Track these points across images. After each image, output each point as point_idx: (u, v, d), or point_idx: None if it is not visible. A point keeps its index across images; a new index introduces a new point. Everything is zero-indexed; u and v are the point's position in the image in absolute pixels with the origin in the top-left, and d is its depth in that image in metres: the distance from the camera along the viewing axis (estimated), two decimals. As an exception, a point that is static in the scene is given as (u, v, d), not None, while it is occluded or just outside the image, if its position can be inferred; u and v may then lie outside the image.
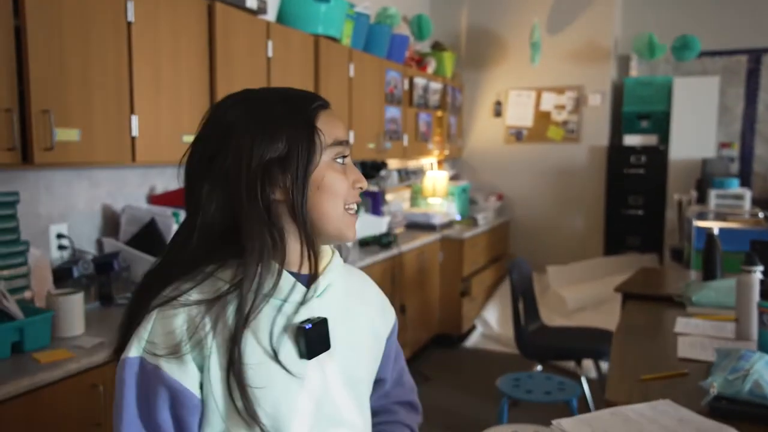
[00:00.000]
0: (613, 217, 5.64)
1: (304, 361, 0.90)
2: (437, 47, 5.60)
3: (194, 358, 0.84)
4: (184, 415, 0.84)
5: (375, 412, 1.11)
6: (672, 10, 5.78)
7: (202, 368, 0.85)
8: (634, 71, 5.87)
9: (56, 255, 2.48)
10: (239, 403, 0.83)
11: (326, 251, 1.00)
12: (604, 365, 3.70)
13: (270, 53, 3.07)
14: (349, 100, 3.86)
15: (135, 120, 2.34)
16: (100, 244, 2.68)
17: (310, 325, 0.90)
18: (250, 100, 0.93)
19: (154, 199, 2.90)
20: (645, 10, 5.86)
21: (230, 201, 0.88)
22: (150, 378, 0.84)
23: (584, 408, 3.12)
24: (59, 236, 2.49)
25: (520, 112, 5.89)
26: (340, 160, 0.94)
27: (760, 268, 2.09)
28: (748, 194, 4.36)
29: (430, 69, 5.21)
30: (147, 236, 2.63)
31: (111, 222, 2.73)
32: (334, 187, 0.92)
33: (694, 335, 2.20)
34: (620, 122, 5.74)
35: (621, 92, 5.76)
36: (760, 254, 2.43)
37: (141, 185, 2.89)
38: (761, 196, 5.47)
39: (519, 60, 5.74)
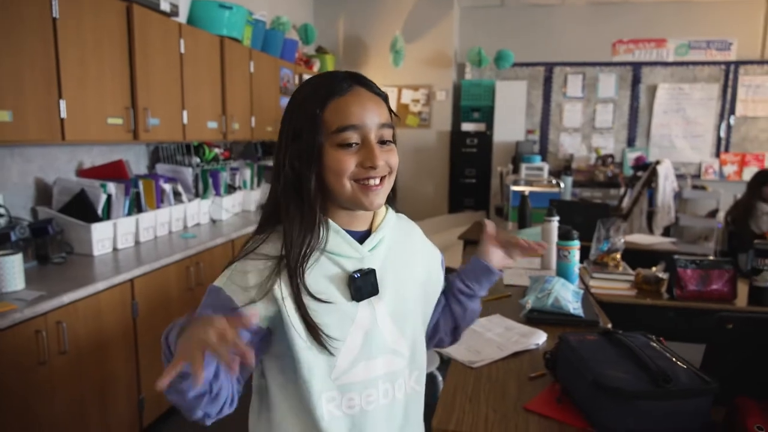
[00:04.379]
0: (455, 184, 5.86)
1: (355, 303, 0.88)
2: (320, 51, 5.47)
3: (262, 300, 0.84)
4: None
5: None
6: (494, 30, 6.04)
7: (273, 309, 0.85)
8: (468, 75, 6.09)
9: (-8, 222, 2.20)
10: (311, 336, 0.84)
11: (380, 209, 0.96)
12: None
13: (182, 50, 2.86)
14: (251, 91, 3.70)
15: (63, 104, 2.09)
16: (34, 212, 2.40)
17: (358, 275, 0.88)
18: (295, 92, 0.91)
19: (82, 173, 2.64)
20: (475, 30, 6.08)
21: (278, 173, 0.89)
22: (221, 301, 0.86)
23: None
24: (-6, 205, 2.21)
25: (385, 105, 5.92)
26: (348, 144, 0.86)
27: (557, 218, 2.28)
28: (546, 167, 4.71)
29: (316, 68, 5.09)
30: (78, 204, 2.40)
31: (44, 193, 2.45)
32: (336, 168, 0.85)
33: (514, 268, 2.35)
34: (459, 113, 5.93)
35: (459, 91, 5.96)
36: (556, 209, 2.64)
37: (70, 161, 2.61)
38: (554, 168, 5.95)
39: (384, 62, 5.76)
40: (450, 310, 1.06)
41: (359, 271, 0.88)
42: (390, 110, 0.91)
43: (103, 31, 2.29)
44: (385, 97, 0.91)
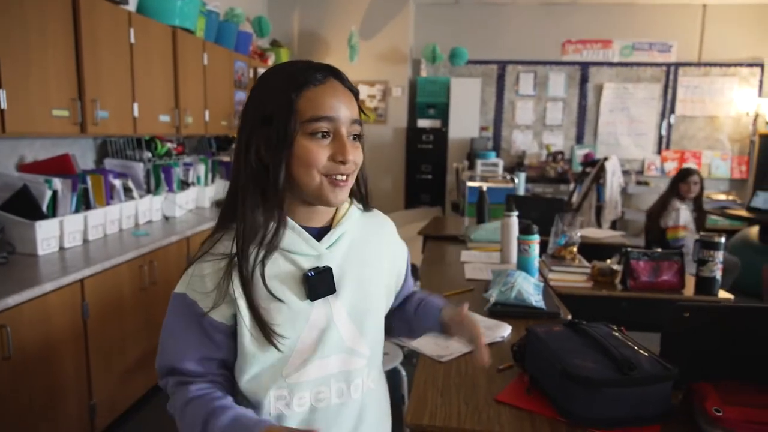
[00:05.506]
0: (411, 180, 5.88)
1: (310, 302, 0.86)
2: (275, 44, 5.37)
3: (224, 300, 0.83)
4: (212, 333, 0.85)
5: (411, 308, 1.07)
6: (448, 27, 6.10)
7: (233, 307, 0.84)
8: (424, 72, 6.13)
9: None
10: (262, 334, 0.83)
11: (344, 204, 0.92)
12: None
13: (132, 40, 2.73)
14: (204, 84, 3.58)
15: (3, 94, 1.95)
16: (-30, 209, 2.24)
17: (313, 274, 0.85)
18: (261, 80, 0.87)
19: (24, 167, 2.48)
20: (430, 27, 6.12)
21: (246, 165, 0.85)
22: (188, 307, 0.85)
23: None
24: (-75, 203, 2.04)
25: (341, 100, 5.88)
26: (320, 135, 0.83)
27: (517, 213, 2.32)
28: (501, 163, 4.80)
29: (270, 62, 4.99)
30: (20, 201, 2.25)
31: (-20, 189, 2.29)
32: (307, 159, 0.82)
33: (474, 262, 2.39)
34: (415, 109, 5.96)
35: (415, 87, 5.99)
36: (514, 204, 2.69)
37: (10, 155, 2.45)
38: (507, 164, 6.08)
39: (339, 58, 5.71)
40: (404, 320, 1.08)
41: (314, 269, 0.86)
42: (359, 107, 0.89)
43: (46, 17, 2.15)
44: (356, 93, 0.89)
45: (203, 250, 0.86)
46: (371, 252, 0.96)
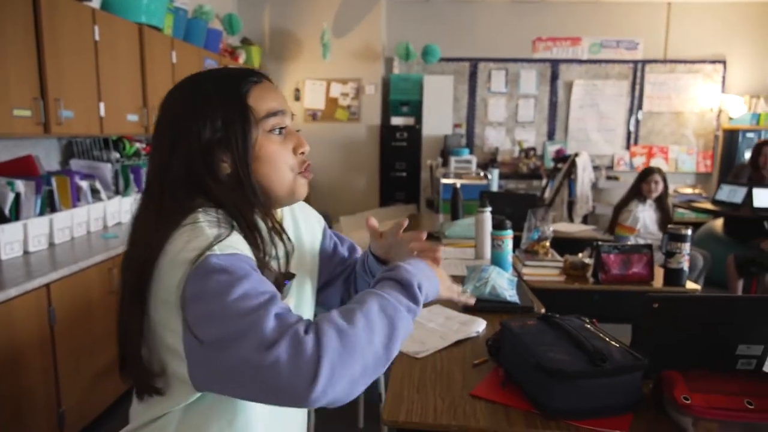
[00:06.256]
0: (385, 178, 5.86)
1: None
2: (246, 42, 5.30)
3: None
4: None
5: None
6: (421, 25, 6.11)
7: None
8: (397, 69, 6.13)
9: None
10: None
11: None
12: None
13: (97, 37, 2.66)
14: (173, 83, 3.49)
15: (-40, 93, 1.88)
16: (-74, 214, 2.15)
17: (288, 282, 0.85)
18: (188, 88, 0.82)
19: (-16, 169, 2.39)
20: (402, 24, 6.12)
21: (191, 176, 0.77)
22: (242, 260, 0.71)
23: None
24: None
25: (314, 98, 5.84)
26: (276, 131, 0.82)
27: (489, 209, 2.35)
28: (474, 160, 4.84)
29: (241, 60, 4.92)
30: (-19, 205, 2.17)
31: (-63, 192, 2.20)
32: (273, 157, 0.81)
33: (449, 258, 2.40)
34: (388, 107, 5.95)
35: (388, 85, 5.98)
36: (488, 200, 2.72)
37: (-31, 157, 2.36)
38: (480, 161, 6.13)
39: (312, 56, 5.68)
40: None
41: (287, 276, 0.87)
42: None
43: (5, 13, 2.08)
44: None
45: (219, 237, 0.72)
46: (299, 244, 1.00)
